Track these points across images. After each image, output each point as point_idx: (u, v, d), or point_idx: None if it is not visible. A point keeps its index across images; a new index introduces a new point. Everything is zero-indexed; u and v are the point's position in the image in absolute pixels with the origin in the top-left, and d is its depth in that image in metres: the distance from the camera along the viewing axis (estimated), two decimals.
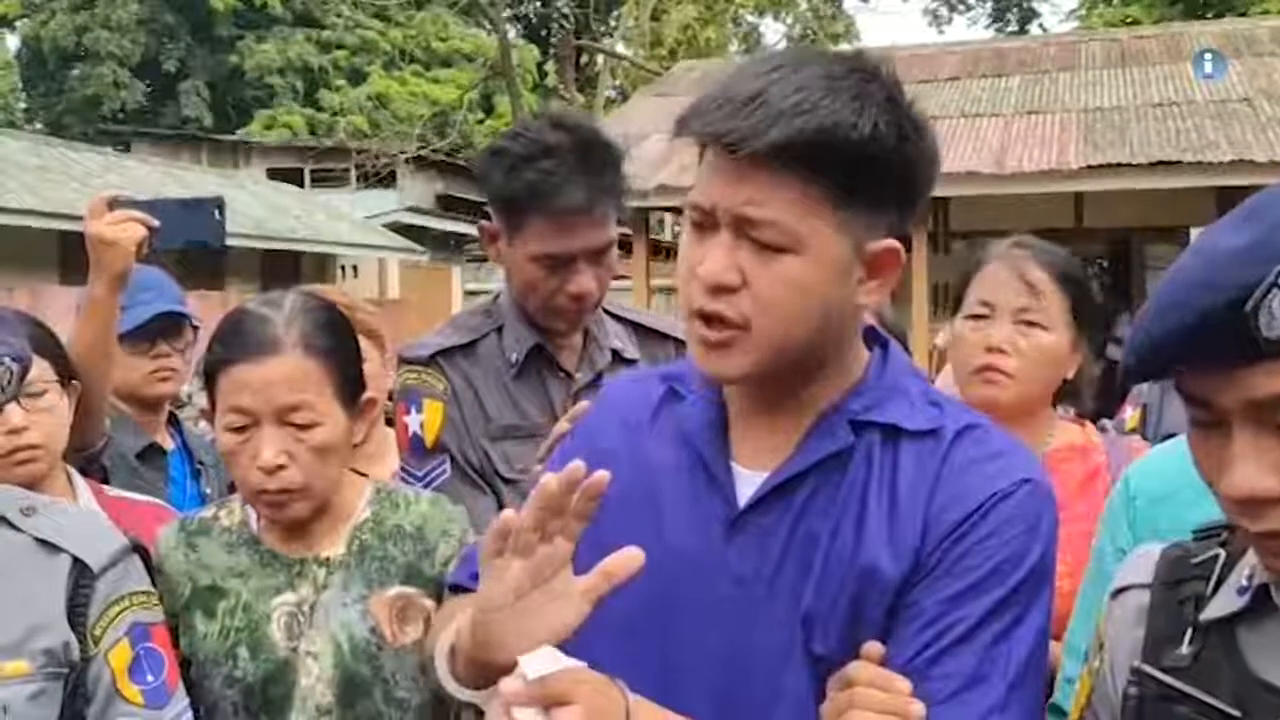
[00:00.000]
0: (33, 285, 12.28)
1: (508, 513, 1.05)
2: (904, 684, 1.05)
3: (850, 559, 1.10)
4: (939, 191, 1.37)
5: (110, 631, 1.34)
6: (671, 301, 12.28)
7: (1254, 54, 11.77)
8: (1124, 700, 1.04)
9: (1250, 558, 1.00)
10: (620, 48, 25.29)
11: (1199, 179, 9.60)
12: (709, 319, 1.09)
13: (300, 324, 1.53)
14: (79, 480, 1.95)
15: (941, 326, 3.27)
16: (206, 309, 3.39)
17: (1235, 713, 0.95)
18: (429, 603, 1.55)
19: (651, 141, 10.10)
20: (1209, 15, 20.88)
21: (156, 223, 1.92)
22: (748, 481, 1.16)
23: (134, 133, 28.70)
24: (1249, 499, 0.89)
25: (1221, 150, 9.72)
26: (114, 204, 1.92)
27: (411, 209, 23.82)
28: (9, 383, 1.31)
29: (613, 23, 26.72)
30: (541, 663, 0.97)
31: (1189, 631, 1.01)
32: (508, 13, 25.84)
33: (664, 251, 15.32)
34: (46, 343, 1.85)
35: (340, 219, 21.29)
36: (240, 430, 1.51)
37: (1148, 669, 1.02)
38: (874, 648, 1.08)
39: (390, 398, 2.11)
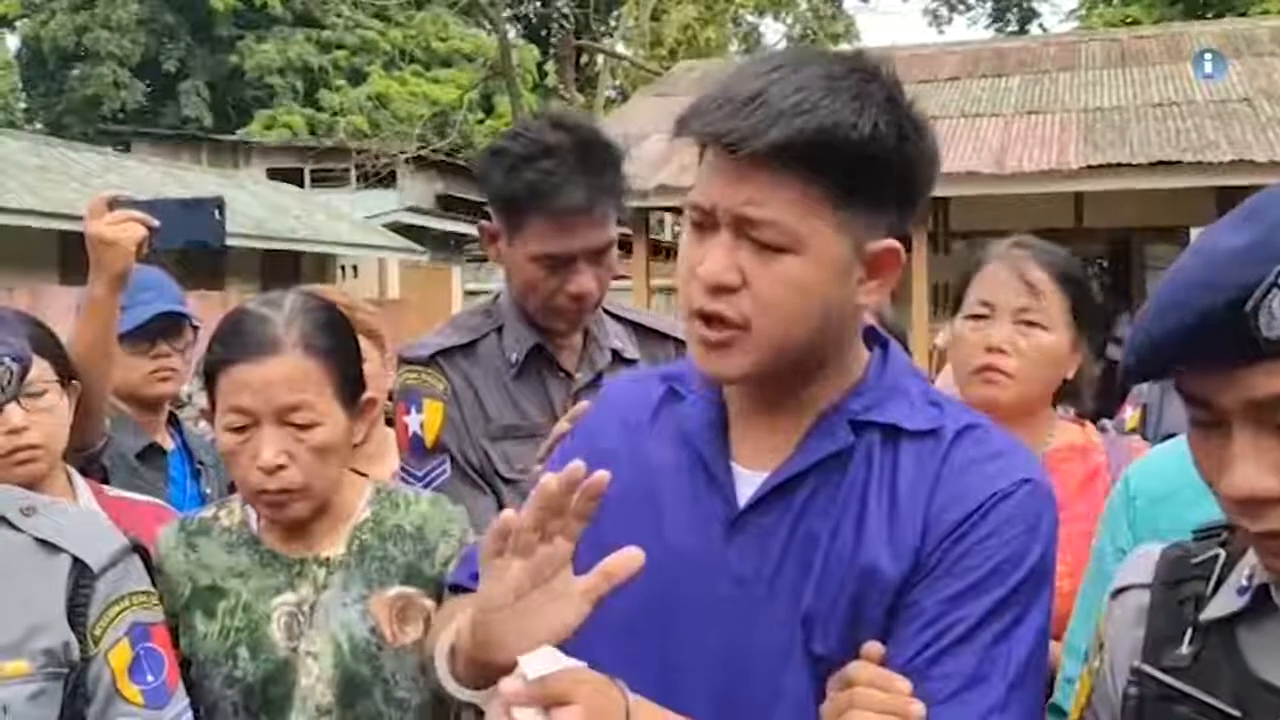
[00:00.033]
0: (33, 285, 12.28)
1: (508, 513, 1.05)
2: (904, 684, 1.05)
3: (850, 559, 1.10)
4: (939, 191, 1.37)
5: (110, 631, 1.34)
6: (671, 301, 12.28)
7: (1254, 54, 11.77)
8: (1124, 700, 1.04)
9: (1250, 558, 1.00)
10: (620, 48, 25.29)
11: (1199, 179, 9.60)
12: (709, 319, 1.09)
13: (300, 324, 1.53)
14: (79, 480, 1.95)
15: (941, 326, 3.27)
16: (206, 309, 3.39)
17: (1235, 713, 0.95)
18: (429, 603, 1.55)
19: (651, 141, 10.10)
20: (1209, 15, 20.89)
21: (156, 223, 1.92)
22: (748, 481, 1.16)
23: (134, 133, 28.70)
24: (1249, 499, 0.89)
25: (1221, 150, 9.72)
26: (114, 204, 1.92)
27: (411, 209, 23.82)
28: (9, 383, 1.31)
29: (613, 23, 26.72)
30: (541, 663, 0.97)
31: (1189, 631, 1.01)
32: (508, 13, 25.84)
33: (664, 251, 15.32)
34: (46, 343, 1.85)
35: (340, 219, 21.29)
36: (240, 430, 1.51)
37: (1148, 669, 1.02)
38: (874, 648, 1.08)
39: (390, 398, 2.11)
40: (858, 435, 1.14)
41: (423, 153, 21.67)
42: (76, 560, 1.32)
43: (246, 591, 1.56)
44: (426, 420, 1.93)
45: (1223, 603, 1.00)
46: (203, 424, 2.91)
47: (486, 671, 1.06)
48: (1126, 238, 11.67)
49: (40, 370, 1.76)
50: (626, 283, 10.89)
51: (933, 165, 1.13)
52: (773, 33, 32.17)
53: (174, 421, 2.65)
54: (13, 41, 34.99)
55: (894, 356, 1.21)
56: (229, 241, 2.29)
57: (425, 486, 1.87)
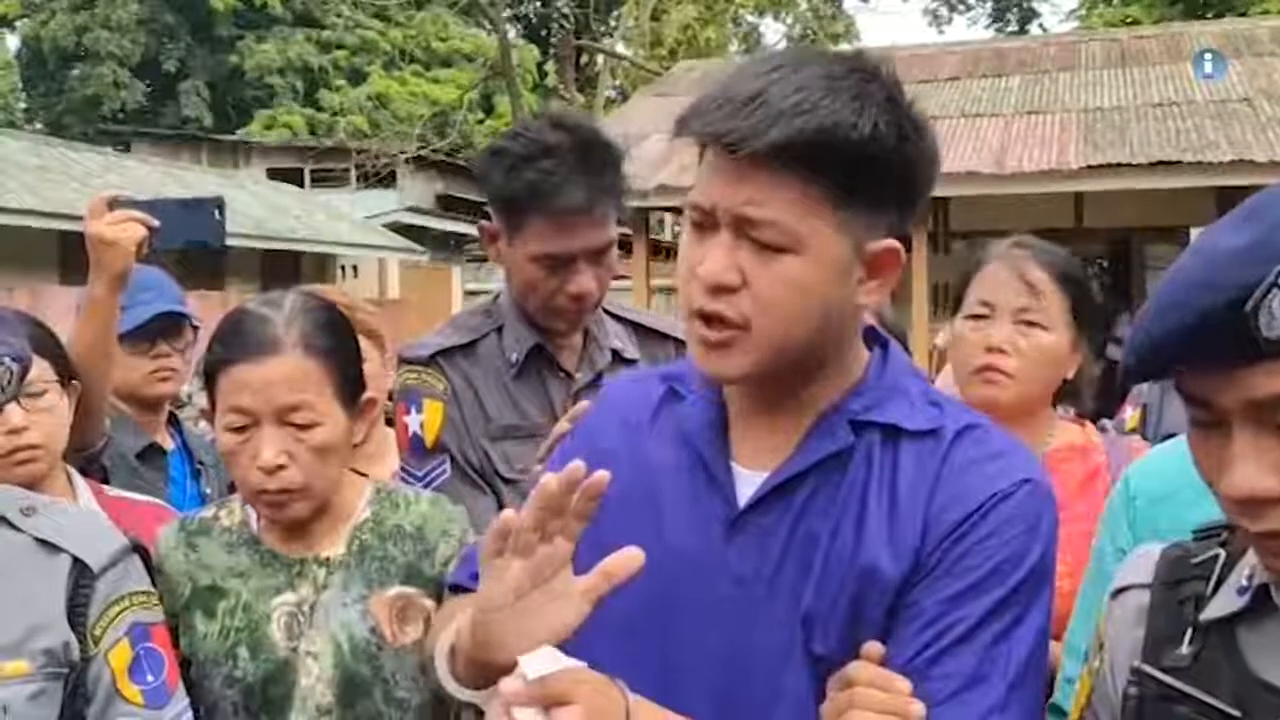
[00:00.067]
0: (33, 285, 12.28)
1: (508, 513, 1.05)
2: (904, 684, 1.05)
3: (850, 559, 1.10)
4: (939, 191, 1.37)
5: (110, 631, 1.34)
6: (671, 301, 12.28)
7: (1254, 54, 11.77)
8: (1124, 700, 1.04)
9: (1250, 558, 1.00)
10: (620, 48, 25.29)
11: (1199, 179, 9.60)
12: (709, 319, 1.09)
13: (300, 324, 1.53)
14: (79, 480, 1.95)
15: (941, 326, 3.27)
16: (206, 309, 3.39)
17: (1235, 713, 0.95)
18: (429, 603, 1.55)
19: (651, 141, 10.09)
20: (1209, 15, 20.89)
21: (156, 223, 1.92)
22: (748, 481, 1.16)
23: (134, 133, 28.71)
24: (1249, 499, 0.89)
25: (1221, 150, 9.72)
26: (114, 204, 1.92)
27: (411, 209, 23.82)
28: (9, 383, 1.31)
29: (613, 23, 26.72)
30: (541, 663, 0.97)
31: (1189, 631, 1.01)
32: (508, 13, 25.84)
33: (664, 251, 15.32)
34: (46, 343, 1.85)
35: (340, 219, 21.29)
36: (240, 430, 1.51)
37: (1148, 669, 1.02)
38: (874, 648, 1.08)
39: (390, 398, 2.11)
40: (858, 435, 1.14)
41: (423, 153, 21.67)
42: (76, 560, 1.32)
43: (246, 591, 1.56)
44: (426, 420, 1.93)
45: (1223, 603, 1.00)
46: (203, 424, 2.91)
47: (486, 671, 1.06)
48: (1126, 238, 11.67)
49: (40, 370, 1.76)
50: (626, 283, 10.89)
51: (933, 165, 1.13)
52: (773, 33, 32.20)
53: (174, 421, 2.65)
54: (13, 41, 35.03)
55: (894, 356, 1.21)
56: (229, 241, 2.29)
57: (425, 486, 1.87)
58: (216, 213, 2.01)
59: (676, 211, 11.67)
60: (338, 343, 1.57)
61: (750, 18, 28.62)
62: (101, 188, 6.43)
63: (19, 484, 1.60)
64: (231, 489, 1.90)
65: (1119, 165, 9.86)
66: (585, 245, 1.88)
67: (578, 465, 1.03)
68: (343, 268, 21.21)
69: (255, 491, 1.52)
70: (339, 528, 1.59)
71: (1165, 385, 2.56)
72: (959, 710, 1.05)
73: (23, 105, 35.35)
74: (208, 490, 2.53)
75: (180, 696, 1.40)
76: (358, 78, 31.09)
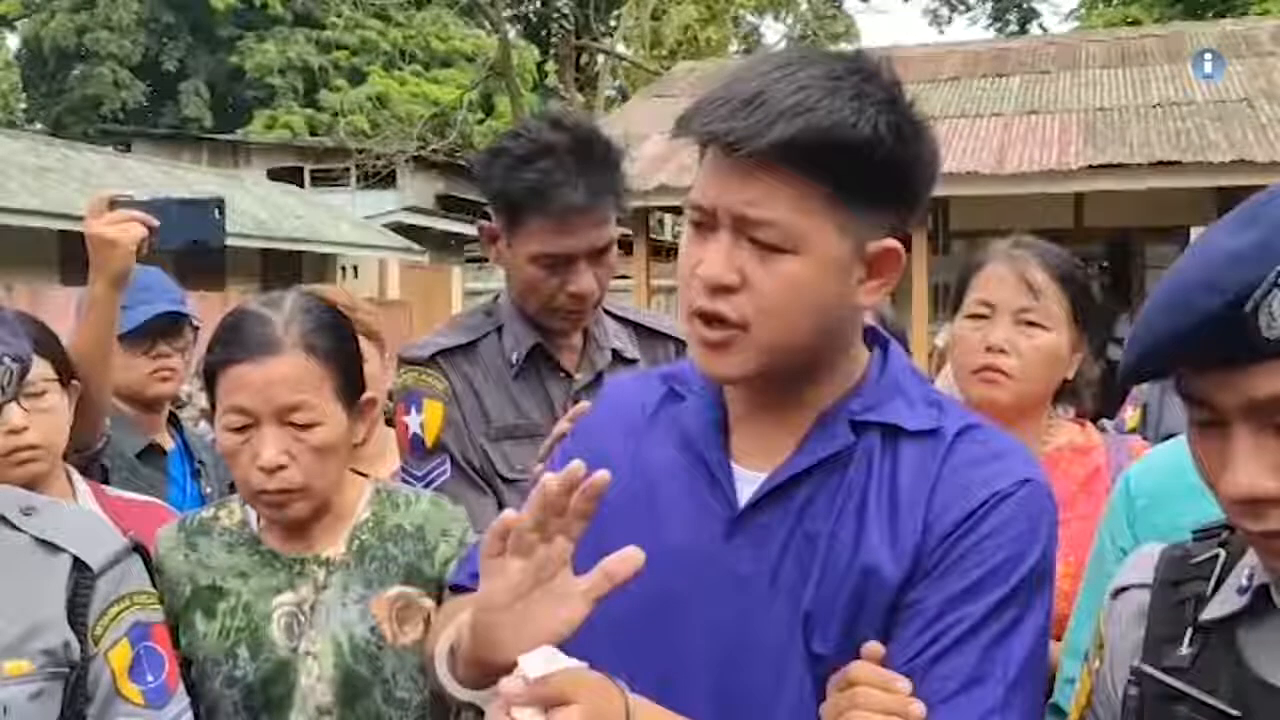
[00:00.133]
0: (33, 285, 12.27)
1: (508, 513, 1.05)
2: (904, 684, 1.05)
3: (850, 559, 1.10)
4: (939, 191, 1.37)
5: (110, 631, 1.33)
6: (671, 301, 12.28)
7: (1254, 54, 11.77)
8: (1124, 700, 1.04)
9: (1250, 558, 1.00)
10: (620, 48, 25.27)
11: (1199, 179, 9.59)
12: (709, 319, 1.09)
13: (300, 324, 1.53)
14: (79, 480, 1.95)
15: (941, 326, 3.27)
16: (206, 309, 3.38)
17: (1235, 713, 0.95)
18: (429, 603, 1.55)
19: (651, 141, 10.10)
20: (1209, 15, 20.89)
21: (156, 222, 1.92)
22: (748, 481, 1.16)
23: (134, 133, 28.69)
24: (1249, 499, 0.89)
25: (1221, 150, 9.71)
26: (114, 204, 1.92)
27: (411, 209, 23.81)
28: (9, 383, 1.31)
29: (613, 23, 26.70)
30: (541, 663, 0.97)
31: (1189, 631, 1.01)
32: (508, 13, 25.84)
33: (664, 251, 15.31)
34: (46, 343, 1.85)
35: (340, 219, 21.28)
36: (240, 430, 1.51)
37: (1148, 669, 1.02)
38: (874, 648, 1.08)
39: (390, 398, 2.11)
40: (858, 435, 1.14)
41: (423, 153, 21.66)
42: (77, 560, 1.32)
43: (247, 591, 1.56)
44: (426, 420, 1.93)
45: (1223, 603, 1.00)
46: (203, 424, 2.91)
47: (486, 671, 1.06)
48: (1126, 238, 11.66)
49: (40, 370, 1.77)
50: (626, 283, 10.89)
51: (933, 165, 1.13)
52: (773, 33, 32.20)
53: (174, 421, 2.65)
54: (13, 41, 35.04)
55: (894, 356, 1.21)
56: (229, 241, 2.29)
57: (425, 486, 1.87)
58: (216, 212, 2.01)
59: (676, 211, 11.67)
60: (338, 343, 1.57)
61: (750, 18, 28.63)
62: (101, 188, 6.43)
63: (19, 484, 1.61)
64: (231, 489, 1.90)
65: (1119, 165, 9.85)
66: (585, 245, 1.88)
67: (578, 465, 1.03)
68: (343, 268, 21.19)
69: (255, 491, 1.52)
70: (339, 528, 1.59)
71: (1165, 385, 2.56)
72: (958, 710, 1.05)
73: (23, 105, 35.35)
74: (208, 490, 2.53)
75: (180, 696, 1.40)
76: (358, 78, 31.11)
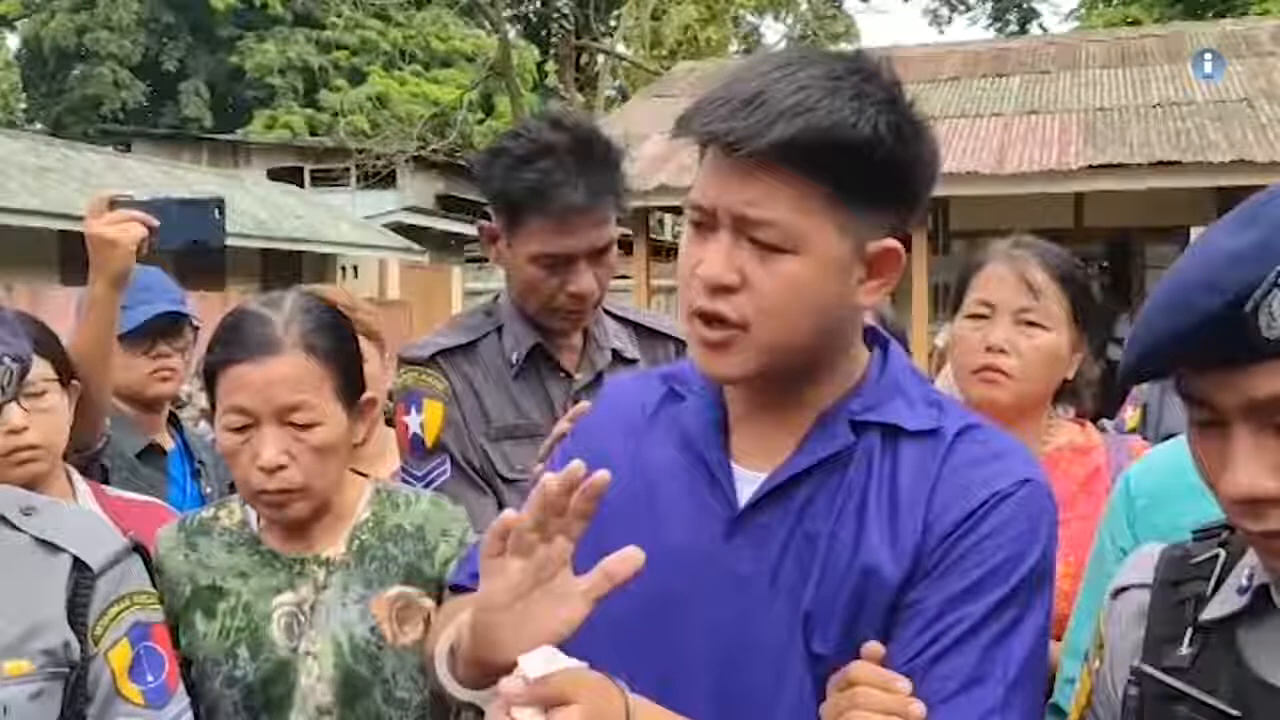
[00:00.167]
0: (33, 285, 12.27)
1: (508, 513, 1.05)
2: (904, 684, 1.05)
3: (850, 559, 1.10)
4: (939, 191, 1.37)
5: (111, 631, 1.33)
6: (671, 301, 12.28)
7: (1254, 54, 11.77)
8: (1124, 700, 1.04)
9: (1250, 558, 1.00)
10: (620, 48, 25.27)
11: (1199, 179, 9.59)
12: (709, 319, 1.09)
13: (300, 324, 1.53)
14: (79, 480, 1.95)
15: (941, 326, 3.27)
16: (206, 309, 3.38)
17: (1235, 713, 0.95)
18: (429, 603, 1.55)
19: (651, 141, 10.09)
20: (1209, 15, 20.89)
21: (156, 222, 1.92)
22: (748, 481, 1.16)
23: (134, 133, 28.69)
24: (1249, 499, 0.90)
25: (1221, 150, 9.71)
26: (114, 204, 1.92)
27: (411, 209, 23.80)
28: (9, 383, 1.31)
29: (613, 23, 26.70)
30: (541, 663, 0.97)
31: (1189, 631, 1.02)
32: (508, 13, 25.84)
33: (664, 251, 15.31)
34: (46, 343, 1.85)
35: (340, 219, 21.28)
36: (240, 430, 1.51)
37: (1148, 669, 1.02)
38: (874, 647, 1.08)
39: (390, 398, 2.11)
40: (858, 435, 1.14)
41: (423, 153, 21.66)
42: (77, 560, 1.32)
43: (247, 591, 1.56)
44: (426, 420, 1.93)
45: (1223, 603, 1.00)
46: (203, 424, 2.91)
47: (486, 671, 1.06)
48: (1126, 238, 11.66)
49: (40, 370, 1.77)
50: (626, 283, 10.88)
51: (933, 165, 1.13)
52: (773, 33, 32.19)
53: (174, 421, 2.65)
54: (13, 41, 35.05)
55: (894, 356, 1.21)
56: (229, 241, 2.29)
57: (425, 486, 1.87)
58: (217, 212, 2.01)
59: (676, 211, 11.67)
60: (338, 343, 1.57)
61: (750, 18, 28.63)
62: (101, 188, 6.43)
63: (19, 484, 1.61)
64: (231, 489, 1.90)
65: (1119, 165, 9.85)
66: (585, 245, 1.88)
67: (578, 465, 1.03)
68: (343, 268, 21.19)
69: (255, 491, 1.52)
70: (339, 528, 1.60)
71: (1165, 385, 2.56)
72: (958, 710, 1.05)
73: (23, 105, 35.35)
74: (208, 490, 2.54)
75: (180, 696, 1.40)
76: (358, 78, 31.11)
